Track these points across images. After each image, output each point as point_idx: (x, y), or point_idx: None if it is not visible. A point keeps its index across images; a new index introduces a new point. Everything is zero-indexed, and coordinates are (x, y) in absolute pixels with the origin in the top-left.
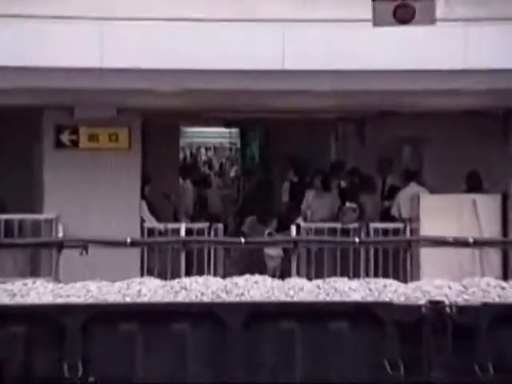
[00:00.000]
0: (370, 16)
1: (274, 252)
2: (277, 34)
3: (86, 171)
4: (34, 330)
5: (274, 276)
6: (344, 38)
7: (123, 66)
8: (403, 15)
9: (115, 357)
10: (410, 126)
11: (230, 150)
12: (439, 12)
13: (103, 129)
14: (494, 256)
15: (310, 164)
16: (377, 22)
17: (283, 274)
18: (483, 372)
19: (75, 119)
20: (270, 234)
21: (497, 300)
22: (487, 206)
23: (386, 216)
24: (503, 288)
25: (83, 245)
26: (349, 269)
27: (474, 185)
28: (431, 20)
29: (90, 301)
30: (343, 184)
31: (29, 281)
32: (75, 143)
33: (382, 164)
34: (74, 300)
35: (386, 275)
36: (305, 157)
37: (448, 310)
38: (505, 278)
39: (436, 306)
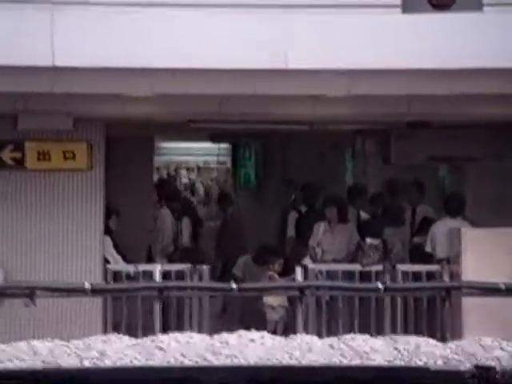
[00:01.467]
0: (398, 1)
1: (275, 301)
2: (277, 24)
3: (34, 199)
4: None
5: (275, 332)
6: (363, 29)
7: (81, 64)
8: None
9: None
10: (447, 141)
11: (218, 170)
12: None
13: (56, 144)
14: None
15: (321, 189)
16: (407, 7)
17: (287, 329)
18: None
19: (19, 131)
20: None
21: None
22: None
23: (417, 256)
24: None
25: (29, 293)
26: (370, 323)
27: None
28: (477, 5)
29: (38, 366)
30: (363, 215)
31: None
32: (20, 162)
33: (411, 190)
34: (16, 365)
35: (418, 332)
36: (315, 180)
37: (500, 378)
38: None
39: (484, 372)
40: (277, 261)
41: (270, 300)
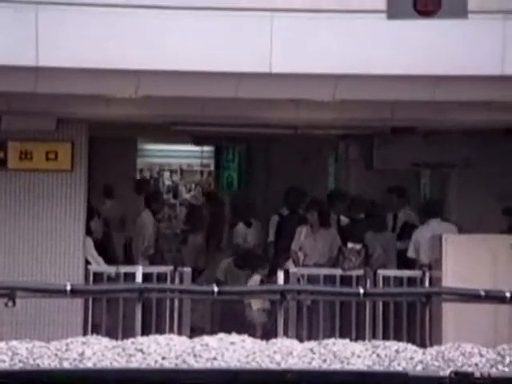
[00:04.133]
0: (383, 7)
1: (258, 304)
2: (263, 27)
3: (15, 199)
4: None
5: (261, 335)
6: (348, 35)
7: (65, 64)
8: (426, 6)
9: None
10: (430, 146)
11: (202, 173)
12: (472, 3)
13: (39, 144)
14: None
15: (305, 193)
16: (392, 13)
17: (269, 333)
18: None
19: (2, 131)
20: (262, 282)
21: None
22: None
23: (400, 261)
24: None
25: (9, 293)
26: (351, 328)
27: None
28: (462, 12)
29: (17, 367)
30: (344, 219)
31: None
32: (2, 162)
33: (393, 195)
34: None
35: (398, 337)
36: (298, 184)
37: None
38: None
39: (463, 378)
40: (262, 265)
41: (255, 303)
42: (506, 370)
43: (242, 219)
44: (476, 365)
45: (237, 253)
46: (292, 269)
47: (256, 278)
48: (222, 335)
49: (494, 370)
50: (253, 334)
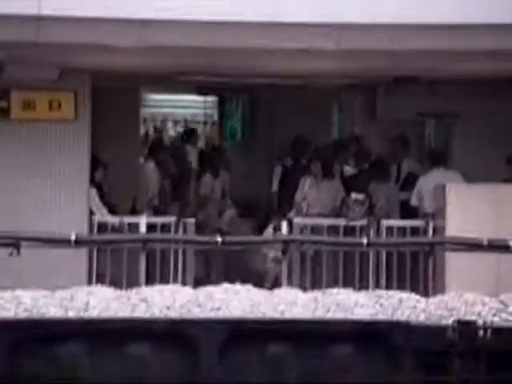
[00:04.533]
0: None
1: (272, 254)
2: None
3: (19, 149)
4: None
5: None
6: None
7: (67, 13)
8: None
9: None
10: (434, 96)
11: (205, 123)
12: None
13: (42, 94)
14: None
15: (310, 143)
16: None
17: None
18: None
19: (5, 80)
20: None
21: None
22: None
23: (404, 211)
24: None
25: (14, 242)
26: (354, 278)
27: None
28: None
29: (23, 316)
30: (348, 169)
31: None
32: (5, 112)
33: (397, 144)
34: (1, 314)
35: (401, 286)
36: (302, 134)
37: (482, 332)
38: None
39: (466, 327)
40: (273, 216)
41: (271, 252)
42: (509, 318)
43: (209, 169)
44: (479, 313)
45: (238, 204)
46: (295, 219)
47: (270, 230)
48: (226, 285)
49: (496, 318)
50: (266, 283)
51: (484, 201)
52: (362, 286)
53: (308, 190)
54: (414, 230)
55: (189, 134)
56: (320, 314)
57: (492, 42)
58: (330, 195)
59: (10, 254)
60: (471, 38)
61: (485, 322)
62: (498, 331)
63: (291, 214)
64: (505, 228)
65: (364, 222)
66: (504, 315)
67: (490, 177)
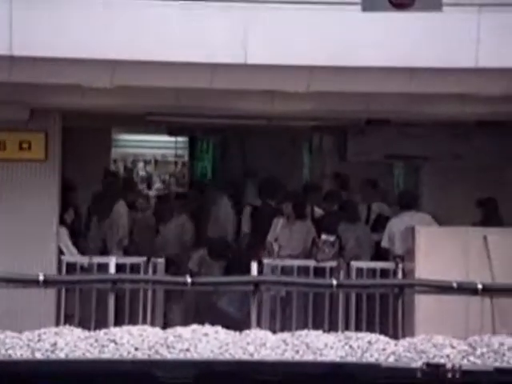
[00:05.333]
0: None
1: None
2: (237, 18)
3: None
4: None
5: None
6: (323, 26)
7: (39, 54)
8: None
9: None
10: (405, 139)
11: (176, 163)
12: None
13: (12, 134)
14: (509, 307)
15: (280, 184)
16: (367, 6)
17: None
18: None
19: None
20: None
21: None
22: (502, 242)
23: (373, 252)
24: None
25: None
26: (324, 319)
27: (488, 214)
28: (436, 5)
29: None
30: (318, 211)
31: None
32: None
33: (366, 186)
34: None
35: (371, 329)
36: (274, 175)
37: (450, 375)
38: None
39: (435, 369)
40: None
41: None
42: (477, 361)
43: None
44: (447, 356)
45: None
46: (266, 260)
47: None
48: (195, 326)
49: (465, 361)
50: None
51: (453, 243)
52: (332, 327)
53: (280, 230)
54: (384, 272)
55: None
56: (289, 355)
57: (462, 86)
58: (302, 236)
59: None
60: (441, 82)
61: (453, 365)
62: (466, 373)
63: (263, 255)
64: (474, 271)
65: (334, 263)
66: (472, 358)
67: (459, 220)
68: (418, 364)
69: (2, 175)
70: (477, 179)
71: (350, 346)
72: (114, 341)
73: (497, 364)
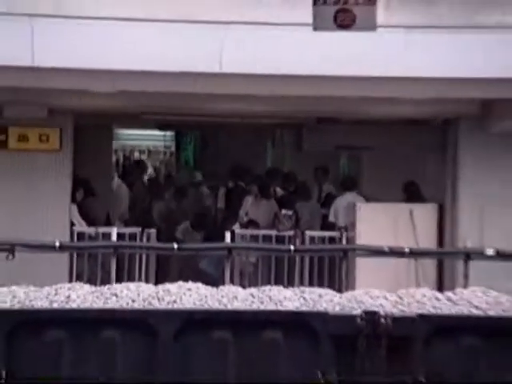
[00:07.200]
0: (310, 20)
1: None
2: (215, 36)
3: (15, 173)
4: None
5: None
6: (285, 42)
7: (56, 65)
8: (344, 20)
9: (41, 365)
10: (348, 133)
11: (165, 153)
12: (380, 18)
13: (34, 129)
14: (429, 267)
15: (247, 170)
16: (317, 26)
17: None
18: None
19: (4, 118)
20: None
21: (432, 311)
22: (424, 216)
23: (323, 224)
24: (438, 299)
25: (10, 248)
26: (284, 277)
27: (411, 195)
28: (372, 26)
29: (17, 307)
30: (279, 191)
31: None
32: (4, 143)
33: (318, 172)
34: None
35: (321, 284)
36: (242, 162)
37: (383, 320)
38: (440, 289)
39: (371, 316)
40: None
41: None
42: (405, 309)
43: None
44: (381, 305)
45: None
46: (237, 230)
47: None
48: (180, 283)
49: (395, 310)
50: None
51: (386, 216)
52: (290, 283)
53: (249, 207)
54: (332, 240)
55: (136, 165)
56: (255, 306)
57: (393, 91)
58: (267, 211)
59: (7, 258)
60: (376, 87)
61: (386, 313)
62: (396, 320)
63: (235, 226)
64: (402, 238)
65: (292, 232)
66: (400, 307)
67: (390, 198)
68: (358, 312)
69: (25, 162)
70: (403, 166)
71: (304, 298)
72: (115, 294)
73: (420, 311)
